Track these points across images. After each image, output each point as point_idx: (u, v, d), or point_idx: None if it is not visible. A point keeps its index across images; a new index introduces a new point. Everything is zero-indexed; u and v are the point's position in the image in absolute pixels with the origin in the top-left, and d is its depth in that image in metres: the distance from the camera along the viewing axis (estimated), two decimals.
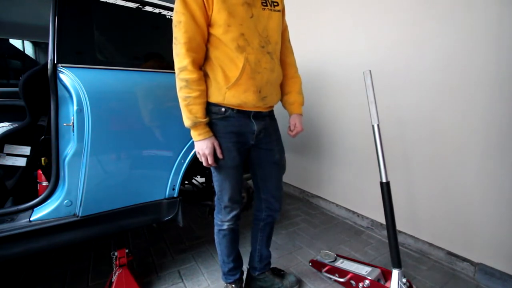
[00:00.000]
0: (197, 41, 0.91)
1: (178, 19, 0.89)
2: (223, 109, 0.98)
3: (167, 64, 1.35)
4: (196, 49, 0.92)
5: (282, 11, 1.06)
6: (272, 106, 1.11)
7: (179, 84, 0.93)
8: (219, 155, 0.99)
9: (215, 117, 0.99)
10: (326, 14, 2.20)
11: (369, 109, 1.27)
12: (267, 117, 1.09)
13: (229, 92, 0.95)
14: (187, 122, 0.95)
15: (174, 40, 0.92)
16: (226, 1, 0.89)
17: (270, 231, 1.29)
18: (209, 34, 0.94)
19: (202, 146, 0.96)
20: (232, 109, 0.99)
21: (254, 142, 1.07)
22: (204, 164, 1.00)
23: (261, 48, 0.95)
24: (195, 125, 0.94)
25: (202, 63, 0.98)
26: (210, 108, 0.99)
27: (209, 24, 0.92)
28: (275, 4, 1.01)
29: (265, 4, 0.97)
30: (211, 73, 0.97)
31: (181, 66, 0.91)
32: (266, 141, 1.10)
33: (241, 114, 1.00)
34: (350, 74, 2.02)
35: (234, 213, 1.12)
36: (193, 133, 0.97)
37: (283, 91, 1.18)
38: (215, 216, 1.18)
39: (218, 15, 0.89)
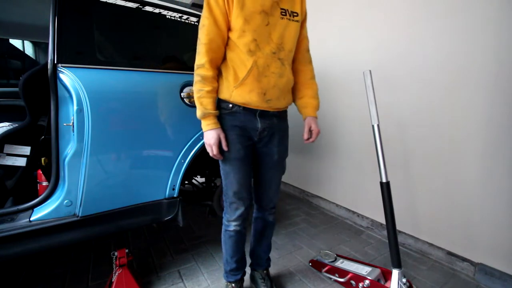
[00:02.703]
0: (217, 43, 1.00)
1: (203, 22, 0.99)
2: (230, 105, 1.05)
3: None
4: (215, 50, 1.01)
5: (303, 22, 1.10)
6: (280, 108, 1.10)
7: (195, 78, 1.02)
8: (224, 147, 1.04)
9: (223, 112, 1.06)
10: (326, 14, 2.20)
11: (369, 109, 1.27)
12: (275, 117, 1.10)
13: (236, 91, 1.01)
14: (198, 113, 1.02)
15: (198, 41, 1.03)
16: (244, 9, 0.96)
17: (262, 230, 1.28)
18: (228, 37, 1.02)
19: (209, 136, 1.02)
20: (239, 106, 1.04)
21: (257, 140, 1.09)
22: (211, 154, 1.05)
23: (272, 54, 1.00)
24: (204, 116, 1.01)
25: (219, 63, 1.06)
26: (220, 104, 1.07)
27: (229, 29, 1.00)
28: (295, 14, 1.05)
29: (284, 13, 1.01)
30: (224, 72, 1.05)
31: (199, 63, 1.01)
32: (267, 141, 1.11)
33: (247, 111, 1.04)
34: (350, 74, 2.02)
35: (240, 211, 1.12)
36: (203, 124, 1.03)
37: (297, 96, 1.20)
38: (223, 215, 1.20)
39: (236, 21, 0.97)
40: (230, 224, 1.15)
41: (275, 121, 1.10)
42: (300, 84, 1.19)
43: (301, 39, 1.13)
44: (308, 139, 1.18)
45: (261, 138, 1.09)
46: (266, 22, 0.98)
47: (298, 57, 1.15)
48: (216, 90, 1.05)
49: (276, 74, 1.01)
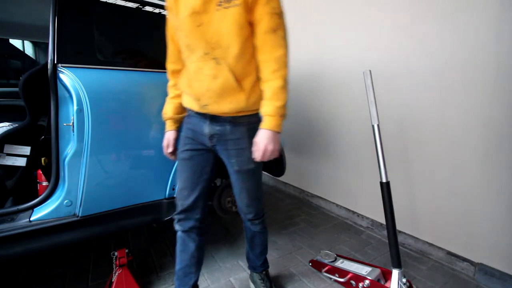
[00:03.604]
0: (175, 56, 1.08)
1: None
2: (188, 110, 1.06)
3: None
4: (174, 62, 1.09)
5: (251, 3, 0.86)
6: (229, 114, 0.96)
7: None
8: (170, 148, 1.12)
9: (186, 115, 1.10)
10: (326, 14, 2.20)
11: (369, 109, 1.27)
12: (227, 124, 0.98)
13: (184, 97, 1.07)
14: None
15: None
16: (178, 18, 0.93)
17: (251, 238, 1.23)
18: None
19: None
20: (192, 110, 1.03)
21: (211, 146, 1.03)
22: None
23: (205, 55, 0.90)
24: (163, 119, 1.13)
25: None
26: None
27: None
28: None
29: (220, 4, 0.86)
30: None
31: None
32: (221, 148, 1.02)
33: (199, 115, 1.00)
34: (350, 74, 2.02)
35: (178, 209, 1.07)
36: None
37: None
38: None
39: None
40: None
41: (228, 128, 0.98)
42: (262, 83, 0.94)
43: (256, 21, 0.89)
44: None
45: (214, 144, 1.02)
46: (198, 23, 0.88)
47: (257, 44, 0.91)
48: (177, 96, 1.11)
49: (209, 76, 0.90)
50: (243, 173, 1.04)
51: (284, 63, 0.91)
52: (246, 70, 0.92)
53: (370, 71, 1.27)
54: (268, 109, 0.91)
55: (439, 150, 1.55)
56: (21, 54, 2.83)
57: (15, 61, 2.84)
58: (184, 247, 1.09)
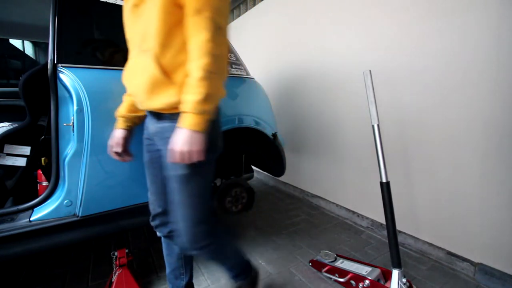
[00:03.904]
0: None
1: None
2: None
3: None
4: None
5: None
6: (165, 110, 0.84)
7: None
8: (117, 148, 1.02)
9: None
10: (326, 14, 2.20)
11: (369, 109, 1.27)
12: (167, 121, 0.86)
13: None
14: None
15: None
16: (124, 11, 0.91)
17: (213, 260, 1.05)
18: None
19: None
20: None
21: (159, 146, 0.93)
22: None
23: (138, 48, 0.86)
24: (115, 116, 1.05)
25: None
26: None
27: None
28: None
29: None
30: None
31: None
32: (162, 149, 0.91)
33: (148, 112, 0.95)
34: (350, 74, 2.02)
35: (151, 216, 1.04)
36: None
37: None
38: None
39: None
40: None
41: (166, 125, 0.86)
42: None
43: (182, 3, 0.78)
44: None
45: (160, 144, 0.92)
46: (137, 16, 0.85)
47: (186, 26, 0.79)
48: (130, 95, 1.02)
49: (141, 70, 0.84)
50: (174, 180, 0.87)
51: (207, 49, 0.75)
52: (177, 61, 0.80)
53: (370, 71, 1.27)
54: (184, 105, 0.76)
55: (439, 150, 1.55)
56: (21, 54, 2.83)
57: (15, 61, 2.84)
58: (169, 250, 1.09)
